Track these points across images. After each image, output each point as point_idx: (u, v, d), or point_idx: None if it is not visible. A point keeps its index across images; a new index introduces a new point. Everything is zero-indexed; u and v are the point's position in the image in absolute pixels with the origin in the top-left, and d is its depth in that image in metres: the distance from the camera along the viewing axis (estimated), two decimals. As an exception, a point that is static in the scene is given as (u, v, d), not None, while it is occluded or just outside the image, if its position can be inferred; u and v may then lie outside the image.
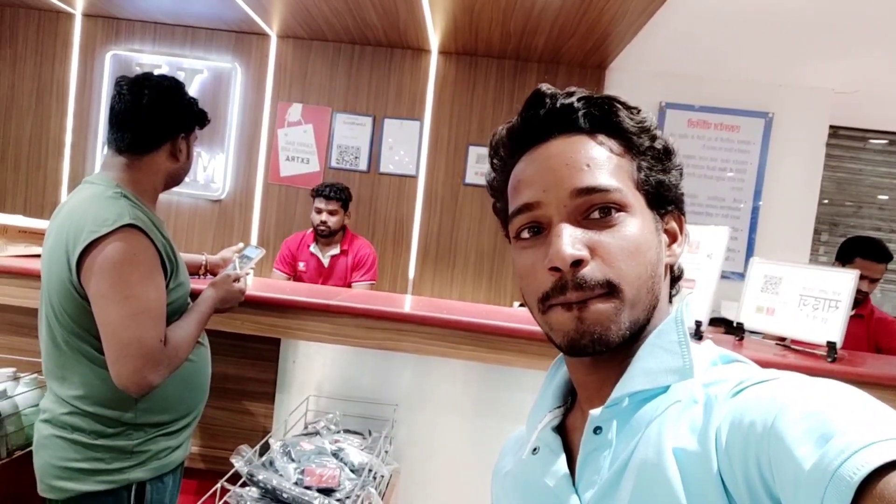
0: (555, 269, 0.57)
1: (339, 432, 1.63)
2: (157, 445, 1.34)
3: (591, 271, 0.56)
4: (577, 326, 0.57)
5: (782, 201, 3.74)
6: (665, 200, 0.64)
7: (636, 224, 0.59)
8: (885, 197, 4.37)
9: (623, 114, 0.62)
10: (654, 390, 0.58)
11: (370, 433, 1.69)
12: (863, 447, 0.37)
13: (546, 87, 0.63)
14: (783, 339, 1.90)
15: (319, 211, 3.02)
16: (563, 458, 0.63)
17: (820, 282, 1.80)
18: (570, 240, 0.57)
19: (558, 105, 0.62)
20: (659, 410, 0.56)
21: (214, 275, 1.85)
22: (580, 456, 0.60)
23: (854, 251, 2.61)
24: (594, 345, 0.57)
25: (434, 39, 3.64)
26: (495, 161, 0.68)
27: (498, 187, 0.68)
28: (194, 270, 1.86)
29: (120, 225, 1.21)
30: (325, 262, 3.08)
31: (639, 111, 0.64)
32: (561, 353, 0.70)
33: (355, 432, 1.68)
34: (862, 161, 4.35)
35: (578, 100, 0.62)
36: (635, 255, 0.58)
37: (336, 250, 3.09)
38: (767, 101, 3.71)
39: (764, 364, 1.65)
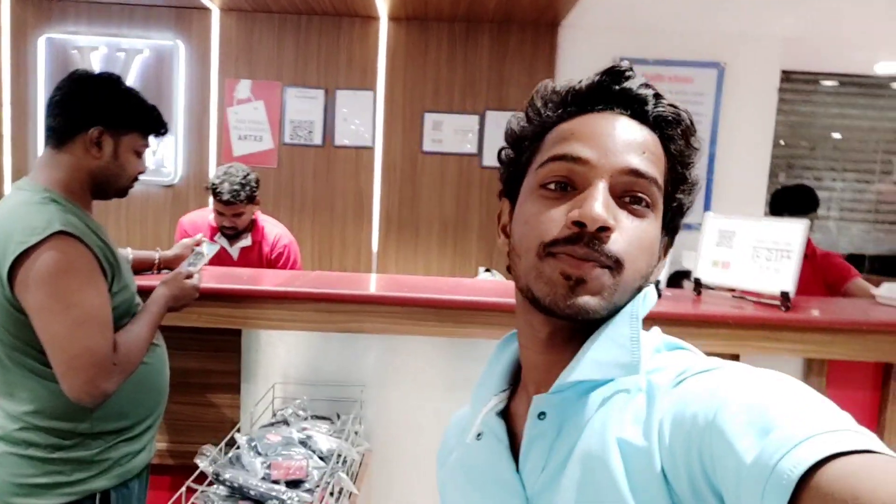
0: (579, 223, 0.55)
1: (306, 419, 1.63)
2: (118, 452, 1.32)
3: (611, 242, 0.56)
4: (568, 293, 0.56)
5: (737, 149, 3.79)
6: (674, 226, 0.65)
7: (654, 227, 0.60)
8: (839, 136, 4.44)
9: (687, 141, 0.62)
10: (601, 380, 0.58)
11: (338, 417, 1.69)
12: (800, 442, 0.39)
13: (626, 65, 0.62)
14: (733, 290, 1.94)
15: (221, 214, 2.50)
16: (506, 444, 0.64)
17: (772, 233, 1.84)
18: (607, 205, 0.56)
19: (637, 89, 0.60)
20: (603, 398, 0.57)
21: (172, 269, 1.80)
22: (524, 441, 0.61)
23: (781, 207, 2.73)
24: (577, 313, 0.56)
25: (382, 5, 3.54)
26: (534, 109, 0.64)
27: (526, 136, 0.65)
28: (147, 267, 1.81)
29: (50, 233, 1.15)
30: (235, 255, 2.59)
31: (698, 150, 0.64)
32: (513, 331, 0.71)
33: (323, 418, 1.68)
34: (813, 104, 4.41)
35: (654, 95, 0.61)
36: (645, 252, 0.59)
37: (247, 241, 2.60)
38: (720, 52, 3.71)
39: (721, 318, 1.68)
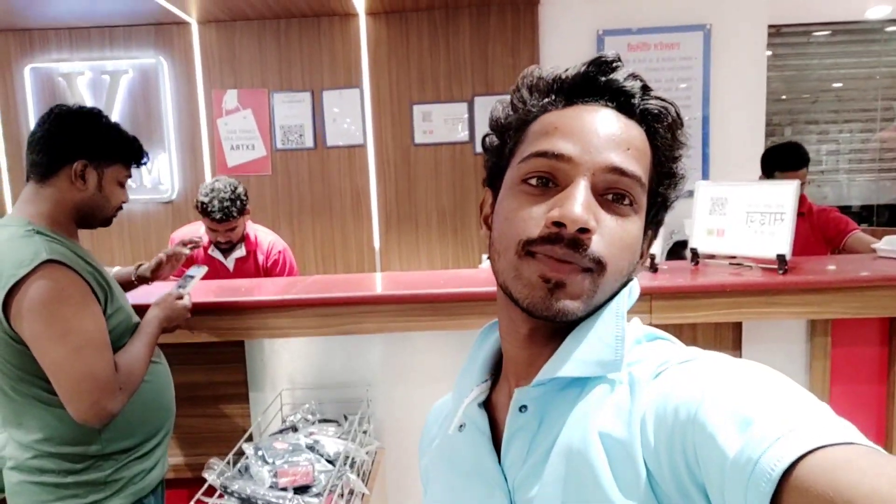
0: (559, 223, 0.54)
1: (314, 423, 1.65)
2: (130, 471, 1.35)
3: (593, 244, 0.55)
4: (546, 296, 0.56)
5: (731, 110, 3.73)
6: (658, 219, 0.64)
7: (637, 226, 0.59)
8: (840, 84, 4.38)
9: (674, 135, 0.61)
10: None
11: (346, 418, 1.70)
12: (781, 436, 0.39)
13: (613, 55, 0.60)
14: (733, 257, 1.93)
15: (214, 230, 2.48)
16: (488, 436, 0.64)
17: (763, 197, 1.82)
18: (588, 205, 0.55)
19: (623, 81, 0.59)
20: (584, 391, 0.57)
21: (161, 271, 1.75)
22: (506, 434, 0.61)
23: (772, 165, 2.70)
24: (556, 315, 0.56)
25: (359, 1, 3.52)
26: (519, 97, 0.63)
27: (511, 125, 0.63)
28: (128, 283, 1.76)
29: (39, 262, 1.18)
30: (230, 266, 2.60)
31: (684, 144, 0.62)
32: (495, 320, 0.70)
33: (331, 420, 1.70)
34: (808, 56, 4.34)
35: (642, 88, 0.59)
36: (627, 251, 0.58)
37: (241, 252, 2.61)
38: (704, 13, 3.66)
39: (719, 287, 1.67)
